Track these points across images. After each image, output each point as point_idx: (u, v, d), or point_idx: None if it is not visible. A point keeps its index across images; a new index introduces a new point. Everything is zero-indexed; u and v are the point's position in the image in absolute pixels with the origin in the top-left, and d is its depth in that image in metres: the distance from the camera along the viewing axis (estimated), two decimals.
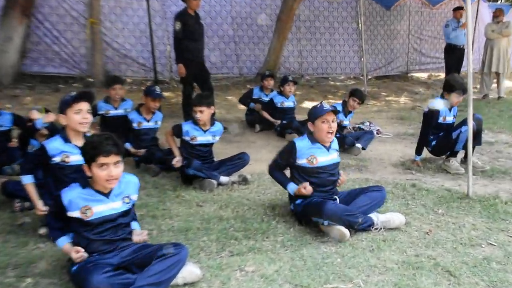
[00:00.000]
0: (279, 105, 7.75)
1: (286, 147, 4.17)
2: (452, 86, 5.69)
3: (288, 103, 7.85)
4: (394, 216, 3.98)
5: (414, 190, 4.98)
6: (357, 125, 8.12)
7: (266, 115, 7.81)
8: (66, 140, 3.69)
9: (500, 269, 3.36)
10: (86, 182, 3.05)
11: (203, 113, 5.14)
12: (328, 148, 4.11)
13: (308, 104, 9.76)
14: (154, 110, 5.87)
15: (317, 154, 4.05)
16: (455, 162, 5.79)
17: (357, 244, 3.67)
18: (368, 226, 3.86)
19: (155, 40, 11.39)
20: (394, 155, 6.58)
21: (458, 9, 11.58)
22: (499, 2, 20.51)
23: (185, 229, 3.90)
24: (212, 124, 5.29)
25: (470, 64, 4.70)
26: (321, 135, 4.04)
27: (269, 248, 3.60)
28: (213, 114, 5.39)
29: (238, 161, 5.35)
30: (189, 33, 7.14)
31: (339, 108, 6.81)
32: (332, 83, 13.71)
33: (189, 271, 3.06)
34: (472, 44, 13.99)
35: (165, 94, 10.27)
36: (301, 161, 4.05)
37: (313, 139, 4.10)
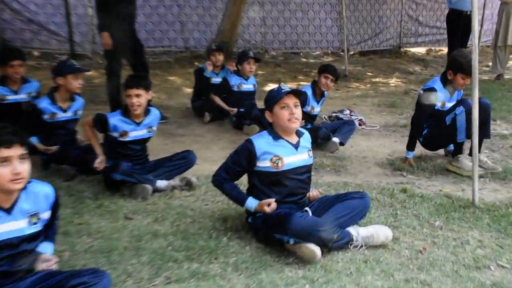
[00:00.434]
0: (235, 88, 7.76)
1: (241, 147, 4.14)
2: (459, 64, 5.76)
3: (247, 86, 7.86)
4: (379, 230, 4.02)
5: (404, 197, 5.04)
6: (334, 114, 8.20)
7: (218, 101, 7.79)
8: None
9: None
10: None
11: (141, 99, 5.07)
12: (296, 146, 4.12)
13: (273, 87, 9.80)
14: (76, 91, 5.74)
15: (283, 154, 4.05)
16: (466, 159, 5.83)
17: (331, 267, 3.67)
18: (345, 243, 3.88)
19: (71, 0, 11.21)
20: (380, 152, 6.67)
21: None
22: None
23: (108, 249, 3.84)
24: (146, 113, 5.24)
25: (476, 31, 4.75)
26: (282, 125, 4.05)
27: (218, 272, 3.58)
28: (149, 101, 5.34)
29: (180, 162, 5.32)
30: None
31: (308, 91, 6.87)
32: (304, 60, 13.83)
33: None
34: (483, 9, 14.29)
35: (87, 73, 10.13)
36: (263, 164, 4.05)
37: (276, 134, 4.10)
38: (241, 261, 3.73)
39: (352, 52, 14.53)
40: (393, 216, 4.58)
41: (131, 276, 3.51)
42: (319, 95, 7.06)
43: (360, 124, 7.90)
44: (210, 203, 4.84)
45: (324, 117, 8.15)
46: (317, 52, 14.51)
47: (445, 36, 12.75)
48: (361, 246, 3.91)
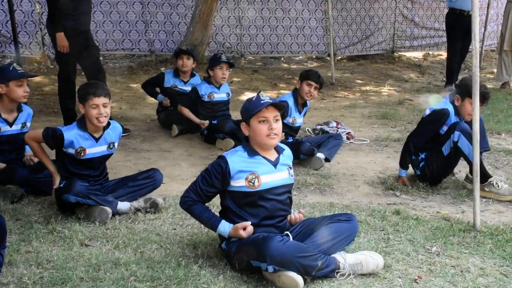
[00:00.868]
0: (206, 98, 7.75)
1: (213, 165, 4.16)
2: (469, 88, 5.86)
3: (220, 95, 7.89)
4: (369, 256, 4.05)
5: (398, 219, 5.11)
6: (319, 127, 8.26)
7: (187, 112, 7.78)
8: None
9: None
10: None
11: (107, 109, 5.06)
12: (274, 163, 4.18)
13: (250, 96, 9.84)
14: (22, 101, 5.68)
15: (259, 171, 4.10)
16: (502, 183, 5.87)
17: None
18: (331, 272, 3.91)
19: None
20: (370, 170, 6.76)
21: None
22: None
23: (61, 281, 3.83)
24: (106, 126, 5.23)
25: (476, 34, 4.83)
26: (259, 141, 4.10)
27: None
28: None
29: (145, 181, 5.33)
30: None
31: (290, 101, 6.94)
32: (285, 66, 13.90)
33: None
34: (488, 9, 14.50)
35: (36, 79, 10.12)
36: (237, 184, 4.09)
37: (252, 149, 4.16)
38: None
39: (339, 57, 14.67)
40: (385, 241, 4.62)
41: None
42: (301, 105, 7.13)
43: (348, 138, 7.97)
44: (179, 227, 4.85)
45: (308, 130, 8.19)
46: (300, 57, 14.61)
47: (444, 39, 12.95)
48: (349, 275, 3.94)
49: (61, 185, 5.05)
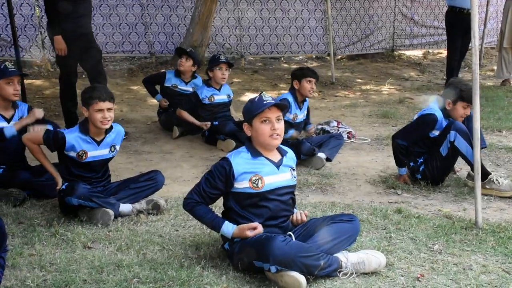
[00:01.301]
0: (206, 101, 7.76)
1: (216, 167, 4.16)
2: (459, 91, 5.89)
3: (221, 97, 7.90)
4: (371, 255, 4.06)
5: (399, 218, 5.12)
6: (320, 126, 8.26)
7: (186, 116, 7.77)
8: None
9: None
10: None
11: (111, 113, 5.10)
12: (278, 165, 4.19)
13: (251, 97, 9.85)
14: (13, 99, 5.68)
15: (263, 172, 4.12)
16: (502, 179, 5.87)
17: None
18: (333, 271, 3.93)
19: None
20: (372, 169, 6.77)
21: None
22: None
23: (64, 284, 3.84)
24: (108, 129, 5.25)
25: (476, 31, 4.84)
26: (262, 141, 4.12)
27: None
28: None
29: (147, 183, 5.35)
30: None
31: (290, 98, 6.98)
32: (285, 66, 13.91)
33: None
34: (487, 6, 14.52)
35: (36, 83, 10.13)
36: (241, 185, 4.10)
37: (255, 150, 4.17)
38: None
39: (339, 56, 14.68)
40: (387, 240, 4.64)
41: None
42: (301, 102, 7.17)
43: (349, 137, 8.00)
44: (181, 229, 4.87)
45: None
46: (300, 57, 14.62)
47: (444, 37, 12.95)
48: (351, 274, 3.95)
49: (63, 187, 5.05)
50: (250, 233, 3.98)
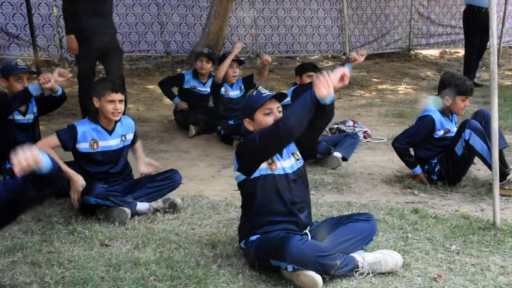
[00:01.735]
0: (223, 92, 7.96)
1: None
2: (455, 87, 5.94)
3: (233, 92, 8.02)
4: (387, 255, 4.06)
5: (416, 218, 5.11)
6: (335, 126, 8.25)
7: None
8: None
9: None
10: None
11: (122, 105, 5.18)
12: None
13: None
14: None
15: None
16: None
17: None
18: (349, 271, 3.93)
19: None
20: (388, 168, 6.76)
21: None
22: None
23: (82, 281, 3.87)
24: (117, 121, 5.32)
25: (494, 30, 4.82)
26: None
27: None
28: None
29: (164, 182, 5.36)
30: None
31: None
32: None
33: None
34: (505, 4, 14.42)
35: None
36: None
37: None
38: None
39: None
40: (404, 240, 4.63)
41: None
42: None
43: (365, 137, 8.00)
44: (197, 227, 4.88)
45: (325, 130, 8.19)
46: (316, 56, 14.59)
47: (461, 36, 12.86)
48: (368, 274, 3.95)
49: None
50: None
